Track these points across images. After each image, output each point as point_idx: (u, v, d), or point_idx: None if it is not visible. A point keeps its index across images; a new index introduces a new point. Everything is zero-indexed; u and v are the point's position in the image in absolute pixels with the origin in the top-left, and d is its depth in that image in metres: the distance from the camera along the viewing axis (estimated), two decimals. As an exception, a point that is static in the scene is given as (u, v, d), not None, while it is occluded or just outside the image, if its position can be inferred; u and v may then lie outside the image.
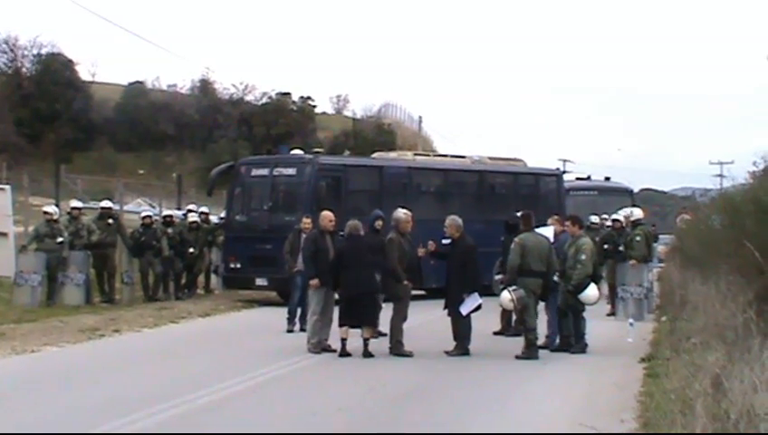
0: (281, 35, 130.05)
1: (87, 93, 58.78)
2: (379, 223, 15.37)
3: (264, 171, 23.34)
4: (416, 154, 28.44)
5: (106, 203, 22.64)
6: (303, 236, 16.59)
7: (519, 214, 15.68)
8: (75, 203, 22.29)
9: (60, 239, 20.22)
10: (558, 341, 15.40)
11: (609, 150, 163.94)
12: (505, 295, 14.63)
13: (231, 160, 27.29)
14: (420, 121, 67.87)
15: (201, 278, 24.30)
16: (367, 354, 14.24)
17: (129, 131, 59.05)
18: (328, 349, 14.71)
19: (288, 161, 23.55)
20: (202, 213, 24.43)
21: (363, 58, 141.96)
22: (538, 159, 75.68)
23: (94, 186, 39.86)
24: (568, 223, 15.77)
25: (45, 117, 55.64)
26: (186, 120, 60.99)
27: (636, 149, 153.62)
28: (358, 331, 14.36)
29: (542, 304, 15.20)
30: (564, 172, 32.19)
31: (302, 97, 65.92)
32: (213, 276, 24.59)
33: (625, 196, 31.32)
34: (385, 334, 14.94)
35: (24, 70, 58.48)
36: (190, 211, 24.35)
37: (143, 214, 23.20)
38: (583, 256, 15.07)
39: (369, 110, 70.45)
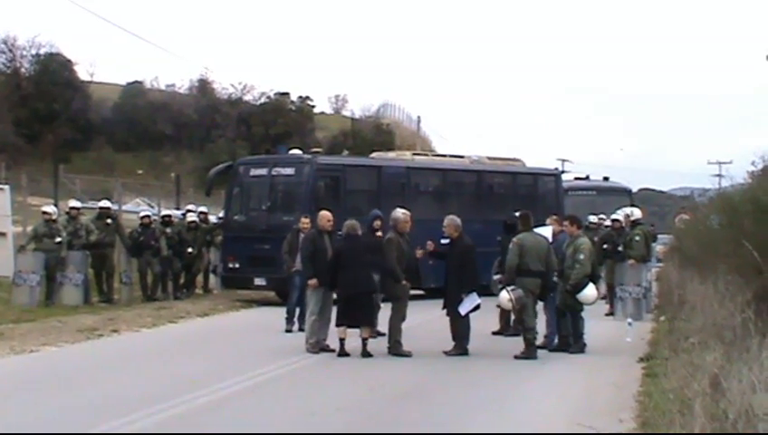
0: (279, 35, 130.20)
1: (85, 93, 58.67)
2: (377, 223, 15.39)
3: (263, 171, 23.33)
4: (414, 154, 28.46)
5: (104, 203, 22.61)
6: (302, 236, 16.58)
7: (517, 214, 15.69)
8: (74, 203, 22.23)
9: (58, 239, 20.20)
10: (556, 341, 15.39)
11: (609, 150, 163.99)
12: (504, 295, 14.63)
13: (229, 160, 27.23)
14: (419, 121, 68.03)
15: (200, 278, 24.30)
16: (365, 354, 14.24)
17: (128, 131, 58.93)
18: (326, 349, 14.71)
19: (286, 161, 23.55)
20: (201, 213, 24.41)
21: (362, 58, 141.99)
22: (537, 159, 75.52)
23: (93, 186, 39.70)
24: (566, 223, 15.75)
25: (44, 117, 55.53)
26: (184, 119, 60.89)
27: (635, 149, 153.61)
28: (357, 331, 14.36)
29: (540, 304, 15.20)
30: (563, 172, 32.23)
31: (300, 97, 65.86)
32: (211, 276, 24.59)
33: (623, 196, 31.33)
34: (384, 334, 14.94)
35: (22, 70, 58.31)
36: (189, 211, 24.32)
37: (142, 214, 23.19)
38: (582, 256, 15.06)
39: (367, 110, 70.40)
